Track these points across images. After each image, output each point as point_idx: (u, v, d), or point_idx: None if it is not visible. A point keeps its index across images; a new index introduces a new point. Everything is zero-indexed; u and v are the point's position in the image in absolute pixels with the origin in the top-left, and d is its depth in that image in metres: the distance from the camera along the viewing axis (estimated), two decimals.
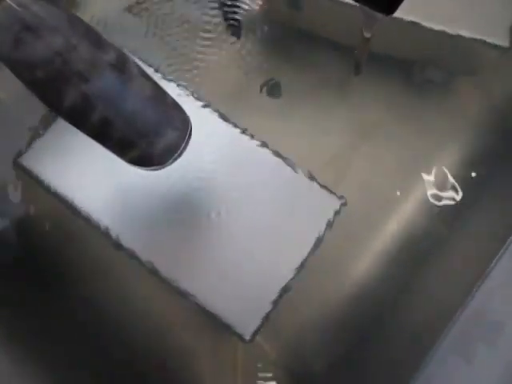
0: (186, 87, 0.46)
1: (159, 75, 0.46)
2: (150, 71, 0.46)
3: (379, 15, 0.31)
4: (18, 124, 0.46)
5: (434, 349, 0.36)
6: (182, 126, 0.41)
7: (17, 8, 0.27)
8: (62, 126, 0.45)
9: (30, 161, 0.44)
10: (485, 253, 0.39)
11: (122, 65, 0.32)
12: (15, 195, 0.44)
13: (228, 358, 0.39)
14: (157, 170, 0.42)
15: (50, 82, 0.29)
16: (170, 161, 0.41)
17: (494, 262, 0.37)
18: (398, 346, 0.39)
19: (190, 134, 0.42)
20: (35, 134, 0.45)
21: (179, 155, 0.41)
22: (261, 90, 0.46)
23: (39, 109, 0.45)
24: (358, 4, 0.31)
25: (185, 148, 0.41)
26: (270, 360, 0.39)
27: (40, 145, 0.45)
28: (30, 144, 0.45)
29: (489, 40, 0.43)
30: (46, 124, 0.46)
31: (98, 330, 0.41)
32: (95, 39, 0.31)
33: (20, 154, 0.45)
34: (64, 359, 0.40)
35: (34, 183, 0.44)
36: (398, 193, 0.42)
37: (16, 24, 0.27)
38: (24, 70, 0.29)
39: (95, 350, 0.40)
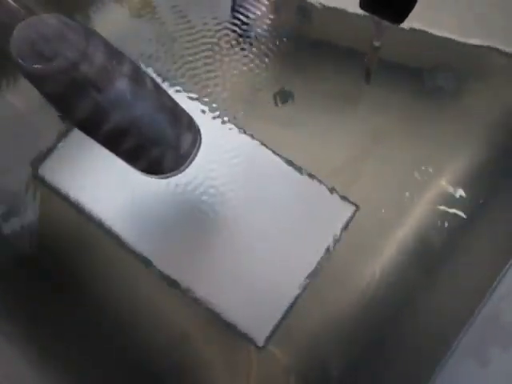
0: (197, 98, 0.46)
1: (171, 86, 0.47)
2: (162, 83, 0.47)
3: (389, 24, 0.32)
4: (35, 134, 0.47)
5: (449, 353, 0.35)
6: (193, 136, 0.42)
7: (38, 22, 0.28)
8: (77, 136, 0.46)
9: (47, 170, 0.45)
10: (498, 257, 0.39)
11: (136, 77, 0.33)
12: (33, 203, 0.45)
13: (241, 365, 0.39)
14: (167, 178, 0.42)
15: (66, 92, 0.30)
16: (181, 169, 0.42)
17: (508, 266, 0.37)
18: (412, 350, 0.39)
19: (200, 144, 0.42)
20: (52, 145, 0.46)
21: (189, 163, 0.42)
22: (273, 99, 0.46)
23: (56, 120, 0.46)
24: (367, 14, 0.32)
25: (194, 157, 0.42)
26: (284, 366, 0.39)
27: (56, 155, 0.46)
28: (47, 154, 0.46)
29: (498, 47, 0.43)
30: (62, 134, 0.46)
31: (111, 334, 0.41)
32: (110, 52, 0.31)
33: (37, 163, 0.46)
34: (78, 361, 0.41)
35: (50, 192, 0.45)
36: (410, 198, 0.42)
37: (36, 37, 0.28)
38: (42, 81, 0.30)
39: (109, 354, 0.41)
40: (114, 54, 0.32)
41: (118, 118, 0.33)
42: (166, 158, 0.40)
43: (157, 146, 0.38)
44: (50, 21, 0.29)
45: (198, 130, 0.43)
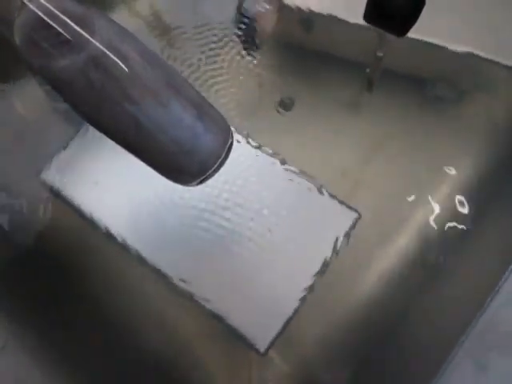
0: None
1: None
2: None
3: (392, 37, 0.33)
4: (40, 140, 0.47)
5: (449, 359, 0.36)
6: (222, 137, 0.36)
7: (55, 12, 0.24)
8: (82, 141, 0.46)
9: (52, 175, 0.46)
10: (498, 264, 0.39)
11: (172, 81, 0.30)
12: (37, 208, 0.45)
13: (243, 370, 0.39)
14: (195, 184, 0.37)
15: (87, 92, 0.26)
16: (210, 171, 0.36)
17: (507, 273, 0.38)
18: (411, 356, 0.39)
19: (231, 145, 0.38)
20: (57, 150, 0.46)
21: (219, 167, 0.36)
22: (275, 107, 0.47)
23: (61, 125, 0.47)
24: (370, 26, 0.33)
25: (224, 160, 0.36)
26: (284, 373, 0.39)
27: (61, 160, 0.46)
28: (51, 159, 0.46)
29: (499, 60, 0.44)
30: (67, 140, 0.47)
31: (113, 337, 0.41)
32: (143, 48, 0.28)
33: (41, 168, 0.46)
34: (80, 363, 0.41)
35: (54, 197, 0.45)
36: (411, 205, 0.42)
37: (45, 24, 0.24)
38: (59, 74, 0.25)
39: (111, 356, 0.41)
40: (147, 51, 0.28)
41: (149, 124, 0.29)
42: (189, 159, 0.34)
43: (186, 148, 0.33)
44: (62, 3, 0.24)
45: (230, 133, 0.36)
